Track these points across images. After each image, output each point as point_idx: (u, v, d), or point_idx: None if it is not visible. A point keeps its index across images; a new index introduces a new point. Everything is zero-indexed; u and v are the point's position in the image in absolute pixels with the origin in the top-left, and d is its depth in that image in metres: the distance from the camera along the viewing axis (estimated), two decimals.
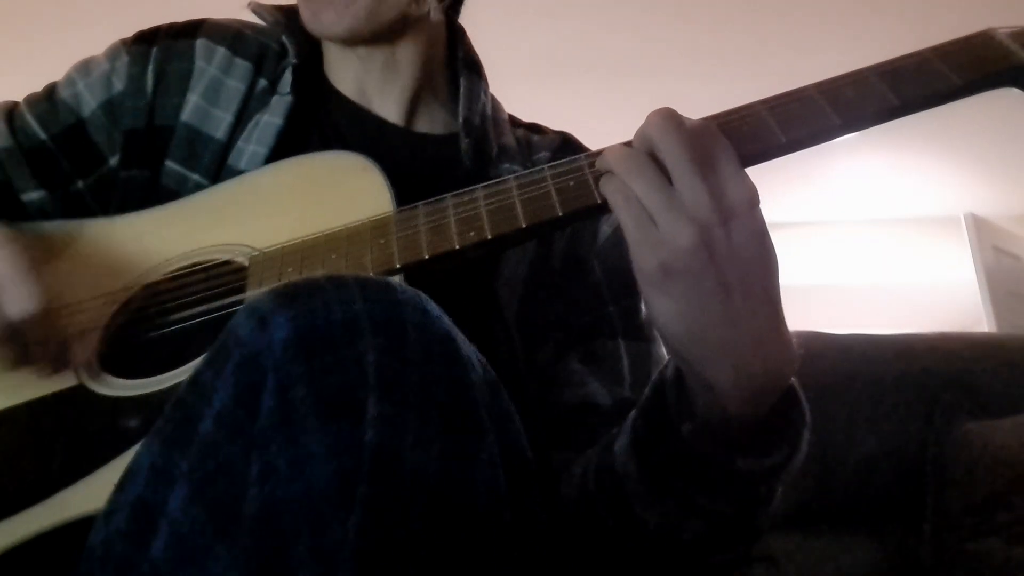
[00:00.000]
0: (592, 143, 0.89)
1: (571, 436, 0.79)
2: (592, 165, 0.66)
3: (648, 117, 0.61)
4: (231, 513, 0.48)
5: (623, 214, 0.60)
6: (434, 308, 0.53)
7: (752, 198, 0.59)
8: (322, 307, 0.50)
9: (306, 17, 0.83)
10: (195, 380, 0.53)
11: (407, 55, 0.88)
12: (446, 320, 0.53)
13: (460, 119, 0.86)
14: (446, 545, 0.47)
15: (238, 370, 0.50)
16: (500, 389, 0.55)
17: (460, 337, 0.53)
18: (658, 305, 0.60)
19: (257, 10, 0.88)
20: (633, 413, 0.69)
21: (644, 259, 0.59)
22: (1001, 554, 1.61)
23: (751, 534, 0.68)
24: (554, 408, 0.82)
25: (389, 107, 0.89)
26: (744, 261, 0.58)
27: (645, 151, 0.60)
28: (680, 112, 0.61)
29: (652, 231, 0.58)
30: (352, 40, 0.86)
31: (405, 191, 0.73)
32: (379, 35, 0.85)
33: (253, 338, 0.50)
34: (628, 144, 0.63)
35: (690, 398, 0.63)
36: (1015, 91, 0.66)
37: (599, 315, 0.86)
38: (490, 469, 0.50)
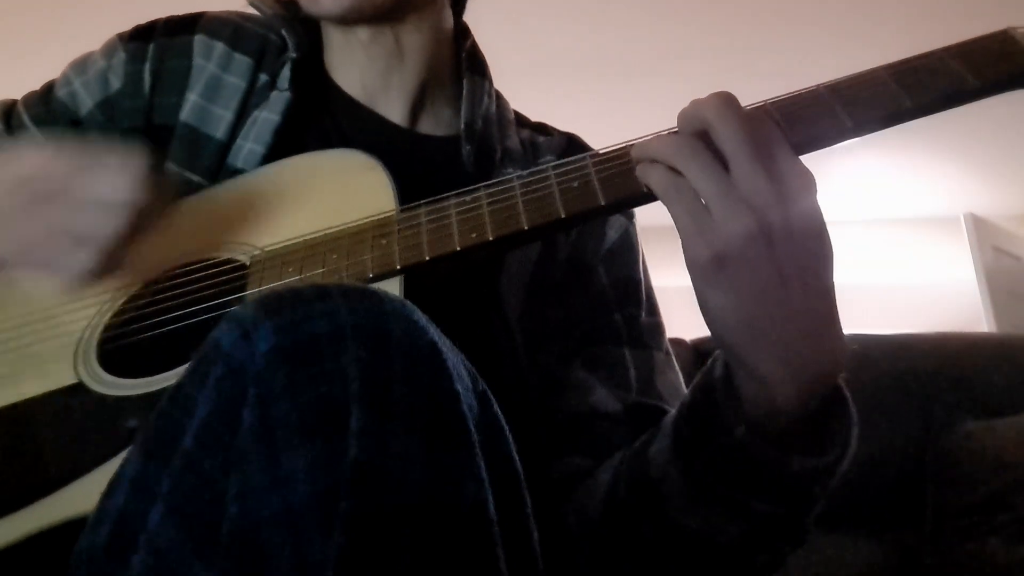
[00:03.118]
0: (593, 144, 0.88)
1: (582, 442, 0.78)
2: (598, 164, 0.66)
3: (702, 100, 0.59)
4: (210, 531, 0.47)
5: (674, 203, 0.58)
6: (420, 318, 0.52)
7: (811, 185, 0.57)
8: (305, 318, 0.49)
9: (305, 1, 0.81)
10: (177, 392, 0.52)
11: (412, 45, 0.86)
12: (433, 330, 0.52)
13: (462, 125, 0.85)
14: (430, 562, 0.46)
15: (220, 383, 0.49)
16: (490, 401, 0.54)
17: (448, 348, 0.52)
18: (712, 298, 0.58)
19: (255, 3, 0.86)
20: (672, 417, 0.68)
21: (697, 250, 0.57)
22: (1001, 554, 1.61)
23: (799, 534, 0.66)
24: (561, 414, 0.81)
25: (393, 106, 0.87)
26: (802, 251, 0.57)
27: (697, 135, 0.59)
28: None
29: (706, 220, 0.57)
30: (351, 19, 0.83)
31: (407, 193, 0.73)
32: (380, 15, 0.83)
33: (236, 350, 0.49)
34: (671, 133, 0.61)
35: (740, 398, 0.61)
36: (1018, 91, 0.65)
37: (604, 322, 0.85)
38: (477, 484, 0.49)
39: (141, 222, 0.67)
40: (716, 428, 0.63)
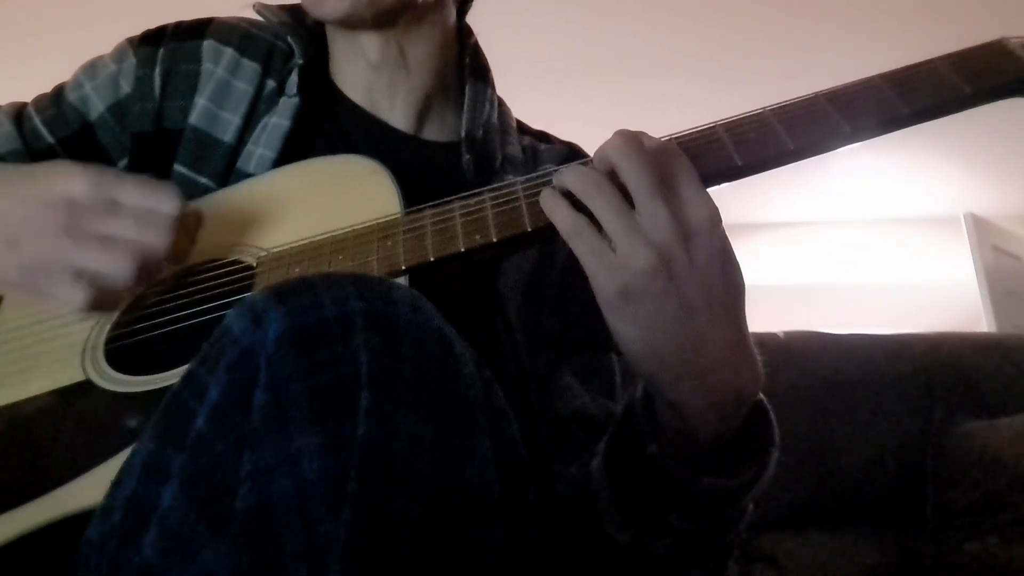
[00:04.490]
0: (594, 145, 0.89)
1: (562, 449, 0.79)
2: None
3: (609, 139, 0.61)
4: (222, 510, 0.48)
5: (576, 241, 0.60)
6: (427, 305, 0.53)
7: (713, 217, 0.58)
8: (315, 304, 0.50)
9: (308, 2, 0.82)
10: (189, 377, 0.53)
11: (417, 55, 0.86)
12: (440, 317, 0.53)
13: (463, 132, 0.86)
14: (437, 542, 0.47)
15: (231, 367, 0.51)
16: (494, 387, 0.55)
17: (454, 334, 0.53)
18: (620, 329, 0.60)
19: (261, 10, 0.87)
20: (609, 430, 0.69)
21: (602, 285, 0.59)
22: (1001, 554, 1.61)
23: (722, 552, 0.68)
24: (549, 416, 0.81)
25: (397, 112, 0.87)
26: (706, 282, 0.58)
27: (605, 172, 0.60)
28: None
29: (609, 256, 0.58)
30: (353, 23, 0.83)
31: (410, 198, 0.73)
32: (383, 21, 0.83)
33: (247, 335, 0.50)
34: (582, 163, 0.63)
35: (658, 417, 0.63)
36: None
37: (594, 329, 0.86)
38: (482, 466, 0.50)
39: (147, 270, 0.69)
40: (635, 445, 0.64)
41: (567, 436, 0.80)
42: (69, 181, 0.70)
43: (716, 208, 0.59)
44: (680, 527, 0.65)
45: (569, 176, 0.62)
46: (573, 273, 0.86)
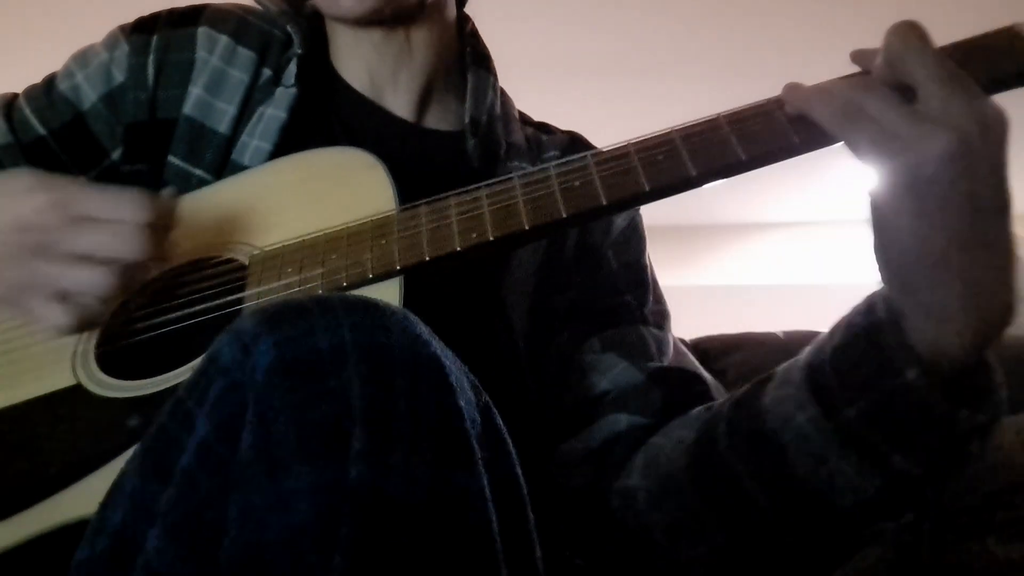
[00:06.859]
0: (595, 144, 0.88)
1: (607, 417, 0.77)
2: (599, 164, 0.65)
3: (893, 30, 0.57)
4: (209, 554, 0.46)
5: (852, 131, 0.56)
6: (423, 331, 0.51)
7: (1004, 115, 0.55)
8: (307, 333, 0.48)
9: (324, 2, 0.80)
10: (177, 407, 0.51)
11: (422, 41, 0.86)
12: (436, 343, 0.51)
13: (467, 118, 0.85)
14: None
15: (219, 400, 0.49)
16: (492, 413, 0.53)
17: (450, 360, 0.51)
18: (897, 226, 0.55)
19: None
20: (803, 363, 0.63)
21: (890, 172, 0.54)
22: (1000, 554, 1.60)
23: (928, 499, 0.62)
24: (579, 395, 0.81)
25: (400, 100, 0.87)
26: (996, 181, 0.54)
27: (884, 67, 0.57)
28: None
29: (898, 142, 0.54)
30: (372, 21, 0.82)
31: (412, 188, 0.72)
32: (399, 17, 0.83)
33: (235, 365, 0.48)
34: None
35: (909, 342, 0.57)
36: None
37: (617, 303, 0.85)
38: (480, 503, 0.48)
39: (127, 281, 0.67)
40: (880, 372, 0.58)
41: (615, 403, 0.79)
42: (33, 199, 0.67)
43: (1002, 110, 0.55)
44: (896, 467, 0.59)
45: (837, 85, 0.58)
46: (587, 251, 0.86)
